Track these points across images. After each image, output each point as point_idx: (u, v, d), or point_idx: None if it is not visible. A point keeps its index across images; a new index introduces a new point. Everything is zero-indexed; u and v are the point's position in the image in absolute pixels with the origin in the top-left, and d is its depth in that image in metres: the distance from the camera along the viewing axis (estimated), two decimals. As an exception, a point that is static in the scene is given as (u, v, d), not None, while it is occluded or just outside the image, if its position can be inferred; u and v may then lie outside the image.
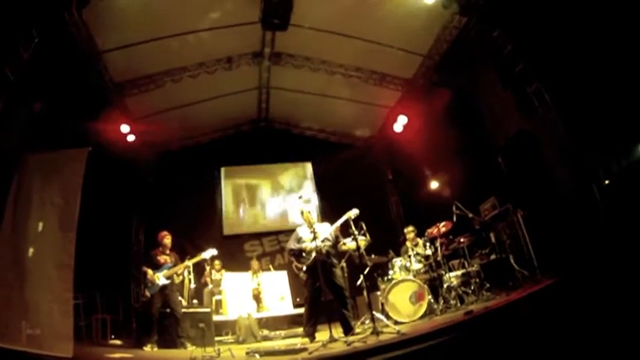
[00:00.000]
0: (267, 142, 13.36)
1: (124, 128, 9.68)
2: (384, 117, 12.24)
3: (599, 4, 6.16)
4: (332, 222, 6.66)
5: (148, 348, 6.94)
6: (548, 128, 7.23)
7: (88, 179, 5.85)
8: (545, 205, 7.28)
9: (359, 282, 7.01)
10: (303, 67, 10.44)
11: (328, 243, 6.53)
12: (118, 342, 7.77)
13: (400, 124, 11.13)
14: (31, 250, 5.28)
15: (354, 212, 6.35)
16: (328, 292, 6.34)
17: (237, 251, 11.96)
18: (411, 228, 8.64)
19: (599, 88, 6.26)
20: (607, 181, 6.41)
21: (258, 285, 9.48)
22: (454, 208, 7.80)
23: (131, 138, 9.92)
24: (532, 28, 7.16)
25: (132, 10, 7.58)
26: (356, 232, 6.22)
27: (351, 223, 6.28)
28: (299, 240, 6.66)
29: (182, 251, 8.22)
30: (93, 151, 6.07)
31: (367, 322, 6.47)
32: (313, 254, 6.31)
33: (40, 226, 5.43)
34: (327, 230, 6.61)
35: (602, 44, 6.17)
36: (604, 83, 6.20)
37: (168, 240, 7.87)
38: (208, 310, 8.21)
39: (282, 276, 9.89)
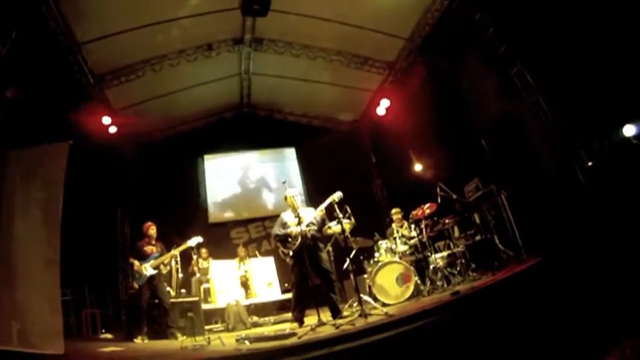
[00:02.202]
0: (251, 129, 13.31)
1: (106, 120, 9.52)
2: (366, 100, 12.27)
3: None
4: (316, 206, 6.68)
5: (138, 340, 6.94)
6: (532, 110, 7.30)
7: (70, 173, 5.76)
8: (529, 186, 7.37)
9: (345, 265, 7.05)
10: (284, 52, 10.38)
11: (314, 227, 6.55)
12: (108, 336, 7.75)
13: (383, 107, 11.15)
14: (16, 248, 5.21)
15: (337, 195, 6.37)
16: (315, 277, 6.40)
17: (223, 239, 11.96)
18: (397, 210, 8.70)
19: (582, 70, 6.31)
20: (590, 163, 6.50)
21: (246, 272, 9.50)
22: (438, 189, 7.86)
23: (113, 130, 9.76)
24: (514, 11, 7.18)
25: (110, 0, 7.46)
26: (341, 216, 6.22)
27: (336, 206, 6.29)
28: (284, 225, 6.67)
29: (168, 241, 8.17)
30: (74, 145, 5.98)
31: (355, 305, 6.53)
32: (299, 239, 6.33)
33: (25, 223, 5.35)
34: (311, 214, 6.63)
35: (584, 26, 6.20)
36: (587, 65, 6.25)
37: (153, 230, 7.85)
38: (197, 299, 8.22)
39: (269, 262, 9.91)
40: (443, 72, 9.57)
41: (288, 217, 6.72)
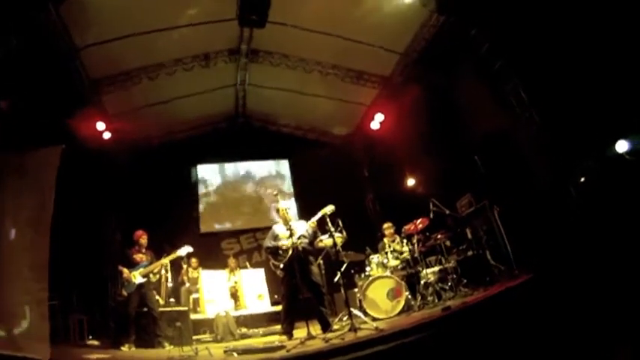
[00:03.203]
0: (245, 139, 13.31)
1: (100, 126, 9.46)
2: (361, 114, 12.27)
3: (576, 3, 6.25)
4: (308, 219, 6.66)
5: (125, 348, 6.86)
6: (525, 126, 7.34)
7: (62, 178, 5.73)
8: (522, 202, 7.39)
9: (336, 279, 7.01)
10: (280, 64, 10.43)
11: (305, 240, 6.54)
12: (95, 342, 7.66)
13: (377, 121, 11.16)
14: (5, 252, 5.15)
15: (329, 208, 6.35)
16: (305, 290, 6.38)
17: (214, 249, 11.89)
18: (389, 224, 8.70)
19: (576, 87, 6.36)
20: (582, 179, 6.53)
21: (236, 283, 9.45)
22: (431, 204, 7.88)
23: (107, 135, 9.72)
24: (509, 27, 7.25)
25: (109, 6, 7.47)
26: (333, 229, 6.21)
27: (328, 219, 6.27)
28: (275, 237, 6.67)
29: (159, 249, 8.11)
30: (67, 149, 5.95)
31: (345, 318, 6.46)
32: (290, 252, 6.32)
33: (15, 226, 5.30)
34: (303, 227, 6.62)
35: (579, 43, 6.27)
36: (581, 82, 6.30)
37: (144, 239, 7.80)
38: (186, 308, 8.18)
39: (260, 273, 9.86)
40: (438, 87, 9.64)
41: (279, 229, 6.71)
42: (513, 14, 7.10)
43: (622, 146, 6.07)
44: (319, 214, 6.40)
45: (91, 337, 7.96)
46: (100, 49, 8.26)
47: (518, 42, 7.18)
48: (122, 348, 6.85)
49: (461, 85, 9.06)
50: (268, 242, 6.73)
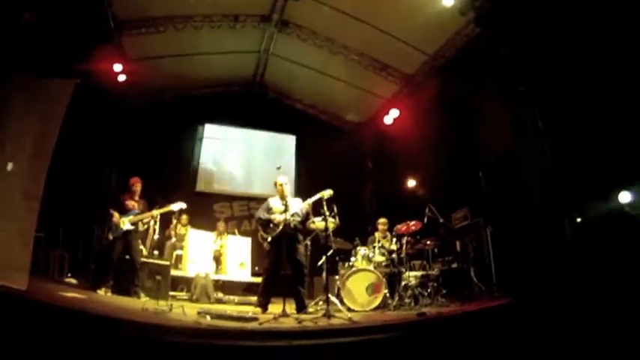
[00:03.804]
0: (256, 108, 13.27)
1: (117, 67, 9.38)
2: (377, 107, 12.23)
3: (611, 46, 6.21)
4: (304, 198, 6.66)
5: (101, 292, 6.87)
6: (535, 155, 7.31)
7: (69, 111, 5.68)
8: (515, 228, 7.40)
9: (320, 262, 7.02)
10: (307, 40, 10.38)
11: (297, 218, 6.56)
12: (73, 281, 7.67)
13: (391, 116, 11.15)
14: (2, 174, 5.13)
15: (327, 192, 6.31)
16: (288, 267, 6.41)
17: (206, 210, 11.95)
18: (384, 220, 8.73)
19: (594, 129, 6.35)
20: (579, 219, 6.53)
21: (221, 247, 9.51)
22: (427, 209, 7.87)
23: (122, 78, 9.63)
24: (542, 55, 7.19)
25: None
26: (327, 213, 6.21)
27: (324, 202, 6.26)
28: (269, 210, 6.66)
29: (152, 200, 8.08)
30: (80, 84, 5.91)
31: (321, 303, 6.52)
32: (281, 227, 6.33)
33: (14, 152, 5.25)
34: (298, 205, 6.63)
35: (605, 91, 6.25)
36: (598, 127, 6.29)
37: (138, 187, 7.77)
38: (167, 263, 8.18)
39: (246, 242, 9.91)
40: (457, 96, 9.57)
41: (274, 202, 6.70)
42: (548, 45, 7.04)
43: (625, 197, 6.07)
44: (317, 196, 6.38)
45: (70, 274, 7.98)
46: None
47: (547, 73, 7.12)
48: (98, 291, 6.86)
49: (480, 100, 8.99)
50: (261, 214, 6.72)
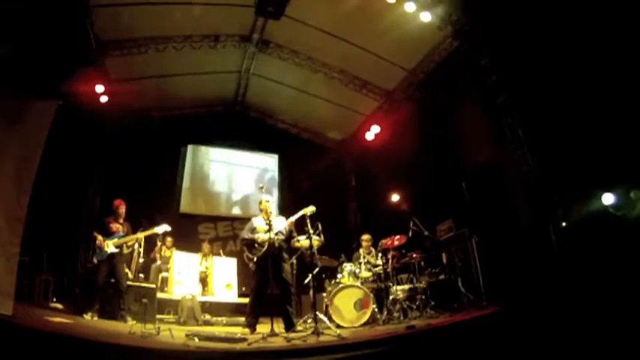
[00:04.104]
0: (238, 128, 13.31)
1: (99, 88, 9.33)
2: (358, 123, 12.35)
3: (591, 56, 6.37)
4: (288, 217, 6.65)
5: (87, 316, 6.78)
6: (516, 163, 7.44)
7: (51, 132, 5.65)
8: (501, 236, 7.48)
9: (306, 280, 6.99)
10: (288, 59, 10.49)
11: (281, 237, 6.53)
12: (59, 306, 7.53)
13: (373, 133, 11.24)
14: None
15: (310, 209, 6.29)
16: (275, 286, 6.38)
17: (190, 231, 11.86)
18: (367, 236, 8.72)
19: (572, 135, 6.48)
20: (564, 224, 6.63)
21: (207, 268, 9.44)
22: (411, 223, 7.93)
23: (104, 99, 9.57)
24: (520, 65, 7.35)
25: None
26: (311, 231, 6.21)
27: (307, 220, 6.25)
28: (253, 230, 6.63)
29: (136, 223, 8.02)
30: (62, 105, 5.88)
31: (309, 321, 6.49)
32: (265, 246, 6.32)
33: (-3, 174, 5.21)
34: (282, 224, 6.62)
35: (583, 96, 6.40)
36: (577, 132, 6.43)
37: (122, 209, 7.71)
38: (153, 286, 8.08)
39: (232, 263, 9.87)
40: (437, 109, 9.72)
41: (258, 222, 6.68)
42: (526, 53, 7.20)
43: (608, 199, 6.19)
44: (299, 214, 6.38)
45: (55, 299, 7.85)
46: (112, 11, 8.21)
47: (525, 81, 7.28)
48: (85, 316, 6.77)
49: (460, 112, 9.14)
50: (245, 234, 6.68)
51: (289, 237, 6.72)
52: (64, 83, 7.98)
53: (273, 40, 10.24)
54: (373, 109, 11.53)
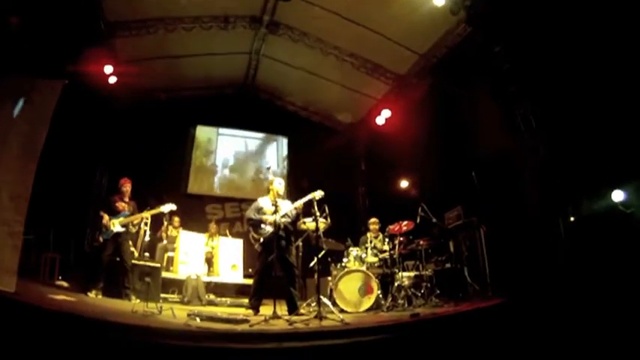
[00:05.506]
0: (248, 109, 13.20)
1: (108, 69, 9.32)
2: (368, 107, 12.22)
3: (609, 48, 6.20)
4: (295, 200, 6.61)
5: (92, 294, 6.82)
6: (528, 153, 7.31)
7: (59, 112, 5.65)
8: (509, 227, 7.37)
9: (312, 264, 6.97)
10: (299, 41, 10.35)
11: (288, 219, 6.51)
12: (64, 284, 7.58)
13: (383, 117, 11.13)
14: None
15: (318, 193, 6.27)
16: (279, 268, 6.36)
17: (197, 211, 11.88)
18: (375, 220, 8.71)
19: (586, 128, 6.35)
20: (572, 218, 6.53)
21: (213, 249, 9.45)
22: (419, 209, 7.85)
23: (112, 80, 9.58)
24: (534, 53, 7.19)
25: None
26: (318, 213, 6.17)
27: (315, 203, 6.23)
28: (259, 210, 6.59)
29: (143, 202, 8.03)
30: (70, 85, 5.86)
31: (313, 305, 6.47)
32: (272, 228, 6.28)
33: (2, 151, 5.20)
34: (288, 206, 6.58)
35: (599, 89, 6.26)
36: (591, 125, 6.29)
37: (128, 187, 7.72)
38: (158, 265, 8.12)
39: (238, 244, 9.84)
40: (449, 95, 9.55)
41: (264, 202, 6.64)
42: (540, 41, 7.04)
43: (618, 196, 6.07)
44: (307, 197, 6.34)
45: (60, 277, 7.90)
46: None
47: (539, 69, 7.12)
48: (89, 294, 6.81)
49: (472, 98, 8.97)
50: (252, 214, 6.63)
51: (295, 220, 6.70)
52: (73, 63, 7.94)
53: (284, 22, 10.12)
54: (384, 93, 11.38)
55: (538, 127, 7.25)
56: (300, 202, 6.48)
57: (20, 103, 5.43)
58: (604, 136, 6.22)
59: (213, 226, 10.01)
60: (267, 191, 6.74)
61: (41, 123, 5.45)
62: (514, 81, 7.59)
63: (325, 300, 5.97)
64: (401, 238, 7.86)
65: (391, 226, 8.05)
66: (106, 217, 7.38)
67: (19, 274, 4.88)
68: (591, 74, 6.38)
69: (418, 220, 7.83)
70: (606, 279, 5.06)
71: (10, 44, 6.33)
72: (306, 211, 6.54)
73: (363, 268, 7.53)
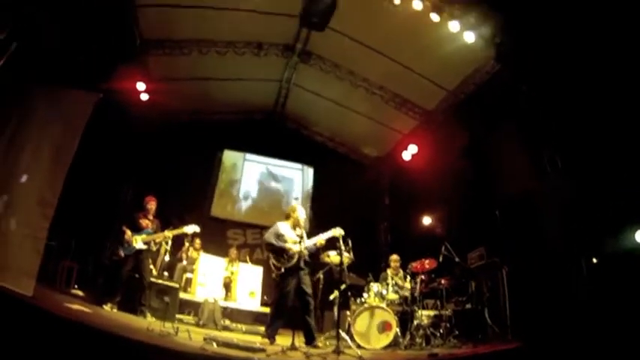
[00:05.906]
0: (275, 136, 13.33)
1: (140, 85, 9.54)
2: (395, 141, 12.20)
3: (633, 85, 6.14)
4: (319, 230, 6.54)
5: (107, 307, 6.81)
6: (554, 196, 7.18)
7: (92, 124, 5.77)
8: (532, 268, 7.21)
9: (332, 297, 6.87)
10: (329, 72, 10.47)
11: (307, 251, 6.43)
12: (80, 293, 7.63)
13: (410, 152, 11.07)
14: (17, 180, 5.17)
15: (339, 231, 6.23)
16: (295, 299, 6.26)
17: (219, 235, 11.90)
18: (396, 257, 8.60)
19: (614, 170, 6.24)
20: (595, 260, 6.36)
21: (232, 274, 9.39)
22: (443, 248, 7.73)
23: (144, 97, 9.78)
24: (563, 95, 7.14)
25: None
26: (343, 247, 6.11)
27: (340, 237, 6.17)
28: (280, 237, 6.42)
29: (166, 221, 8.08)
30: (103, 99, 5.98)
31: (331, 338, 6.36)
32: (295, 258, 6.22)
33: (33, 159, 5.31)
34: (310, 240, 6.49)
35: (625, 126, 6.18)
36: (618, 169, 6.19)
37: (153, 205, 7.80)
38: (177, 285, 8.09)
39: (258, 271, 9.81)
40: (475, 133, 9.50)
41: (285, 229, 6.51)
42: (568, 84, 7.00)
43: None
44: (329, 234, 6.31)
45: (76, 286, 7.95)
46: (158, 11, 8.30)
47: (568, 113, 7.06)
48: (104, 306, 6.80)
49: (499, 137, 8.93)
50: (272, 239, 6.42)
51: (314, 252, 6.63)
52: (107, 78, 8.12)
53: (316, 52, 10.27)
54: (411, 128, 11.37)
55: (565, 168, 7.14)
56: (322, 239, 6.42)
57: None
58: (629, 176, 6.10)
59: (233, 252, 9.96)
60: (287, 217, 6.69)
61: (74, 132, 5.57)
62: (541, 121, 7.52)
63: (344, 335, 5.86)
64: (422, 277, 7.72)
65: (414, 264, 7.95)
66: (128, 232, 7.42)
67: (37, 278, 4.90)
68: (617, 116, 6.31)
69: (441, 259, 7.70)
70: (629, 322, 4.90)
71: (48, 55, 6.50)
72: (329, 243, 6.47)
73: (383, 304, 7.39)
